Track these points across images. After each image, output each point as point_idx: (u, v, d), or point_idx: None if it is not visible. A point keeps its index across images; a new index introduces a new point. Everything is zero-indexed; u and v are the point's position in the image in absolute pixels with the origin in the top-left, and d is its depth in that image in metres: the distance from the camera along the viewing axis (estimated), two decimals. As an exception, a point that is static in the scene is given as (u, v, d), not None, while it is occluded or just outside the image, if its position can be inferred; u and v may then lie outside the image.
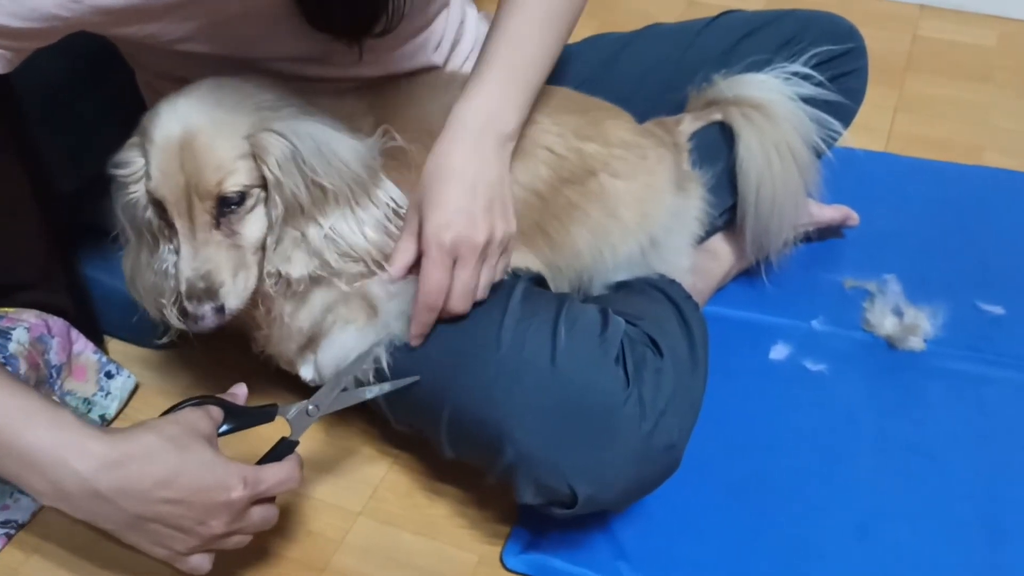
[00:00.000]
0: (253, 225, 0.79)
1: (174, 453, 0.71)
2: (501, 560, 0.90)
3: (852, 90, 1.12)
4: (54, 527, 0.94)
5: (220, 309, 0.77)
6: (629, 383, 0.80)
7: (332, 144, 0.78)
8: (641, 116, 1.03)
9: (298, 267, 0.79)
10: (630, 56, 1.14)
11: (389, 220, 0.82)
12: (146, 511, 0.71)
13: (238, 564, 0.91)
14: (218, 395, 0.80)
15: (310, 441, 1.01)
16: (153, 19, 0.75)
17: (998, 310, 1.14)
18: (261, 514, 0.77)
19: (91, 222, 1.09)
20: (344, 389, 0.82)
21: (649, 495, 0.85)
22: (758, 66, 1.07)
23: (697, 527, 0.92)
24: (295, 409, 0.81)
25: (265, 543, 0.92)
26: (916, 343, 1.09)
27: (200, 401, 0.78)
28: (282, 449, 0.80)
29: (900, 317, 1.11)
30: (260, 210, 0.79)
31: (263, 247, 0.80)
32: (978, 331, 1.11)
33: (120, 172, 0.79)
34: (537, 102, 0.90)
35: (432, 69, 0.96)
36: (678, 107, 1.10)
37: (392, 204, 0.82)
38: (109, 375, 1.05)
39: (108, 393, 1.04)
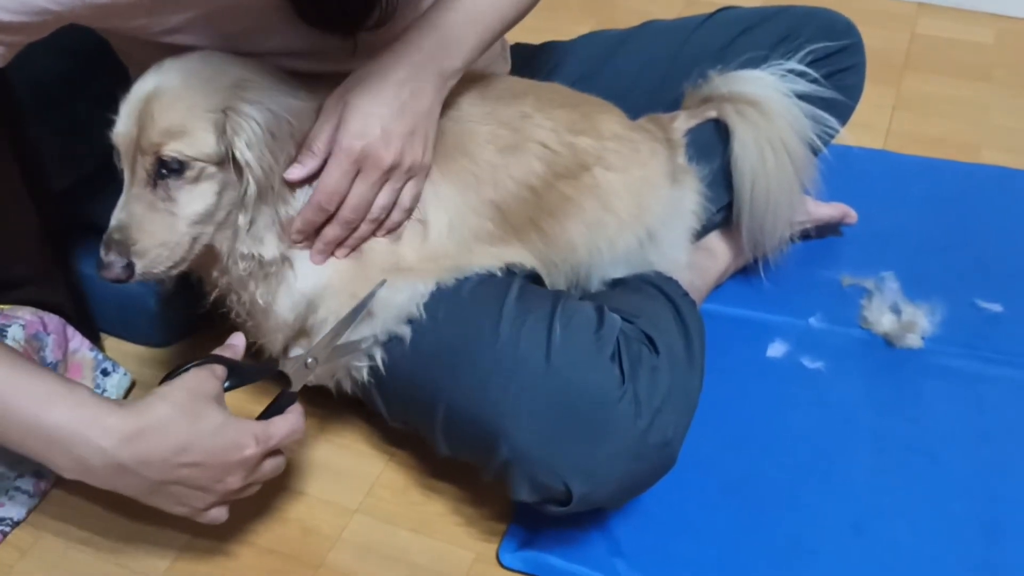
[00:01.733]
0: (193, 198, 0.77)
1: (187, 421, 0.74)
2: (497, 557, 0.90)
3: (850, 86, 1.12)
4: (49, 525, 0.94)
5: (128, 267, 0.76)
6: (624, 380, 0.80)
7: (309, 122, 0.78)
8: (637, 112, 1.03)
9: (270, 248, 0.79)
10: (626, 53, 1.14)
11: None
12: (166, 476, 0.74)
13: (235, 561, 0.90)
14: (217, 352, 0.81)
15: (306, 438, 1.01)
16: (144, 11, 0.75)
17: (996, 308, 1.14)
18: (272, 465, 0.80)
19: (87, 220, 1.09)
20: (340, 343, 0.82)
21: (645, 492, 0.85)
22: (754, 63, 1.07)
23: (693, 524, 0.91)
24: (294, 362, 0.82)
25: (261, 540, 0.92)
26: (914, 341, 1.09)
27: (203, 361, 0.78)
28: (283, 401, 0.81)
29: (898, 315, 1.11)
30: (206, 186, 0.77)
31: (202, 222, 0.78)
32: (976, 329, 1.11)
33: (114, 115, 0.79)
34: (529, 97, 0.90)
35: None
36: (674, 103, 1.10)
37: None
38: (105, 373, 1.05)
39: (104, 391, 1.04)
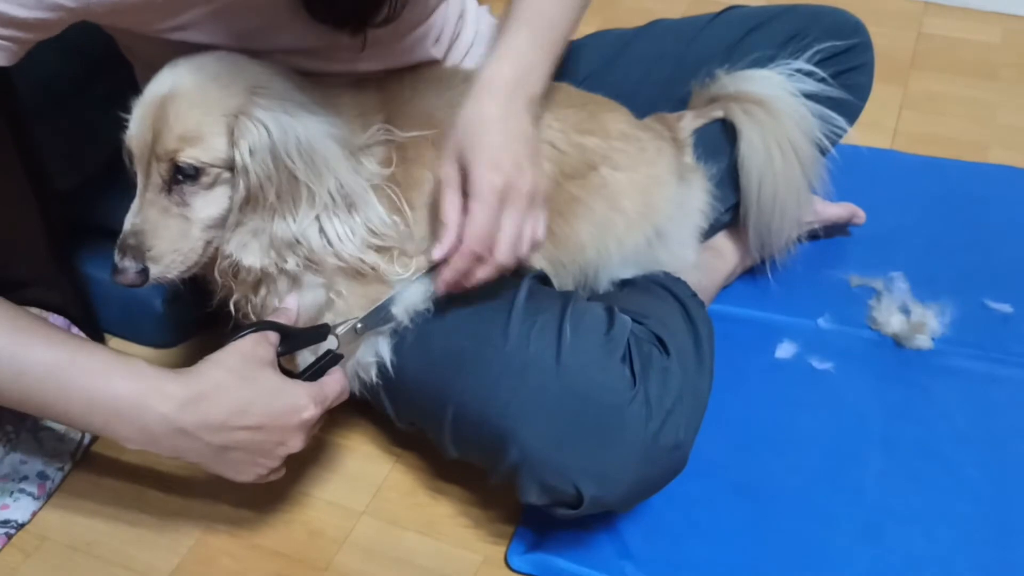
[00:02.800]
0: (207, 203, 0.77)
1: (243, 384, 0.75)
2: (505, 560, 0.89)
3: (858, 85, 1.11)
4: (54, 528, 0.93)
5: (142, 272, 0.76)
6: (635, 382, 0.79)
7: (323, 146, 0.76)
8: (644, 112, 1.03)
9: (251, 257, 0.78)
10: (634, 52, 1.14)
11: (371, 235, 0.80)
12: (228, 441, 0.75)
13: (241, 564, 0.90)
14: (270, 318, 0.81)
15: (312, 440, 1.00)
16: (156, 8, 0.75)
17: (1006, 308, 1.13)
18: (318, 426, 0.81)
19: (91, 220, 1.09)
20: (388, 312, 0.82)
21: (654, 495, 0.84)
22: (762, 62, 1.06)
23: (702, 527, 0.91)
24: (345, 326, 0.81)
25: (268, 542, 0.92)
26: (924, 341, 1.08)
27: (257, 327, 0.78)
28: (328, 362, 0.81)
29: (907, 315, 1.10)
30: (221, 191, 0.77)
31: (218, 226, 0.78)
32: (986, 329, 1.10)
33: (126, 115, 0.79)
34: None
35: (432, 63, 0.95)
36: (682, 103, 1.09)
37: (371, 224, 0.80)
38: (109, 374, 1.04)
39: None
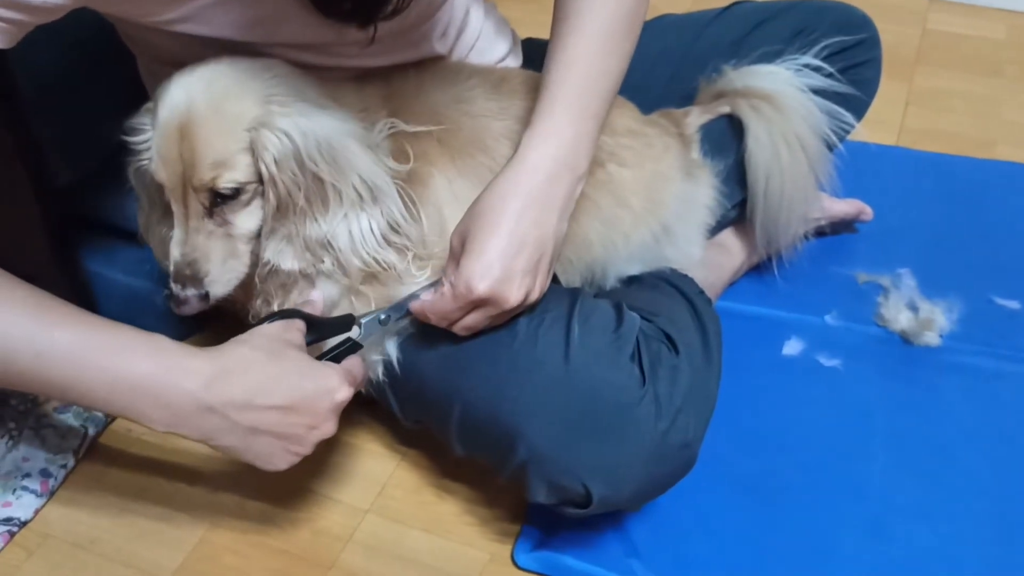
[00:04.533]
0: (248, 217, 0.78)
1: (270, 362, 0.73)
2: (512, 558, 0.88)
3: (865, 80, 1.10)
4: (57, 525, 0.93)
5: (204, 296, 0.77)
6: (645, 381, 0.79)
7: (341, 144, 0.76)
8: (650, 108, 1.02)
9: (288, 261, 0.78)
10: (639, 48, 1.11)
11: (391, 231, 0.80)
12: (256, 422, 0.72)
13: (246, 562, 0.89)
14: (297, 306, 0.80)
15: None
16: None
17: (1014, 305, 1.12)
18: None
19: (92, 216, 1.08)
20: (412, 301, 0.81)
21: (663, 493, 0.84)
22: (769, 57, 1.05)
23: (710, 524, 0.90)
24: (370, 316, 0.80)
25: (272, 540, 0.91)
26: (931, 338, 1.07)
27: (283, 314, 0.78)
28: (346, 350, 0.80)
29: (915, 312, 1.10)
30: (257, 202, 0.78)
31: (259, 236, 0.79)
32: (994, 326, 1.10)
33: (132, 139, 0.79)
34: None
35: (437, 58, 0.94)
36: (688, 99, 1.09)
37: (392, 218, 0.79)
38: (112, 371, 1.04)
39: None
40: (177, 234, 0.77)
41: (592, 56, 0.80)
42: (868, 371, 1.05)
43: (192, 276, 0.76)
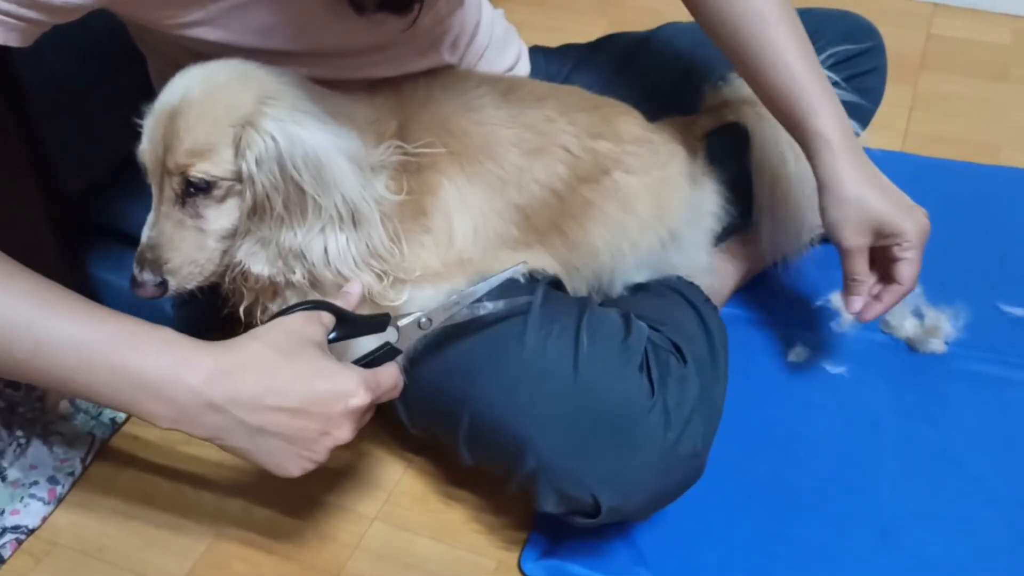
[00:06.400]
0: (222, 214, 0.76)
1: (282, 360, 0.69)
2: (519, 566, 0.89)
3: (870, 89, 1.10)
4: (64, 533, 0.93)
5: (162, 284, 0.76)
6: (654, 392, 0.79)
7: (331, 160, 0.74)
8: (656, 115, 1.02)
9: (259, 265, 0.77)
10: (645, 55, 1.13)
11: (369, 256, 0.78)
12: (264, 423, 0.69)
13: (253, 569, 0.89)
14: (330, 300, 0.76)
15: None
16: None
17: (1020, 311, 1.12)
18: (367, 417, 0.74)
19: (100, 222, 1.08)
20: (456, 304, 0.78)
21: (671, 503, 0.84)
22: (776, 65, 1.05)
23: (717, 533, 0.90)
24: (408, 319, 0.77)
25: (279, 547, 0.91)
26: (937, 345, 1.07)
27: (313, 306, 0.73)
28: (384, 355, 0.76)
29: (921, 319, 1.10)
30: (234, 202, 0.76)
31: (234, 237, 0.77)
32: (1000, 333, 1.10)
33: (140, 121, 0.78)
34: (551, 100, 0.89)
35: (446, 68, 0.94)
36: (694, 106, 1.09)
37: (372, 244, 0.77)
38: (119, 378, 1.04)
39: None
40: (149, 218, 0.76)
41: (795, 38, 0.94)
42: (874, 378, 1.05)
43: (153, 261, 0.75)
